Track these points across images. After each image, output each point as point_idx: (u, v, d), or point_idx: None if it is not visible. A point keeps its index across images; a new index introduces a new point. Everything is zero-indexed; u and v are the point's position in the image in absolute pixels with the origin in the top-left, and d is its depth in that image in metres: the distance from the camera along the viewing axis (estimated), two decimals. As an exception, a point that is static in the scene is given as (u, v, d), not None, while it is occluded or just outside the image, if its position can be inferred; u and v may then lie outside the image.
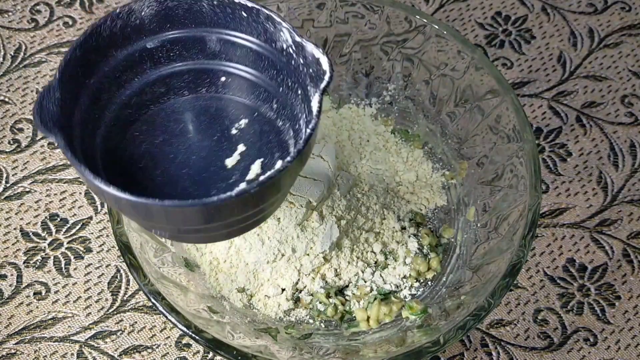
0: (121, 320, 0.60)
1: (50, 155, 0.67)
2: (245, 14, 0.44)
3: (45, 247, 0.63)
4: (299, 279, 0.58)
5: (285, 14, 0.63)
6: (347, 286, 0.59)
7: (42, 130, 0.38)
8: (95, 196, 0.65)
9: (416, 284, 0.60)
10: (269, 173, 0.38)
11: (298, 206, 0.56)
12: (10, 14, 0.76)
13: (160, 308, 0.48)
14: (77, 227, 0.64)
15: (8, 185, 0.66)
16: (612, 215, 0.67)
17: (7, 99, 0.70)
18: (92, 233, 0.64)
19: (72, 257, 0.63)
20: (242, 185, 0.40)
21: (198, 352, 0.59)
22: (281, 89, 0.46)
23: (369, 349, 0.53)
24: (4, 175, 0.66)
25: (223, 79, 0.47)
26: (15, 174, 0.66)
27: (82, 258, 0.63)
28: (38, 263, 0.62)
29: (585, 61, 0.76)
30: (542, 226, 0.66)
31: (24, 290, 0.61)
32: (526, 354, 0.60)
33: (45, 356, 0.58)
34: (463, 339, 0.61)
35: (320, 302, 0.57)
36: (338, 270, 0.58)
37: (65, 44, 0.74)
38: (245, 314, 0.57)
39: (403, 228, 0.61)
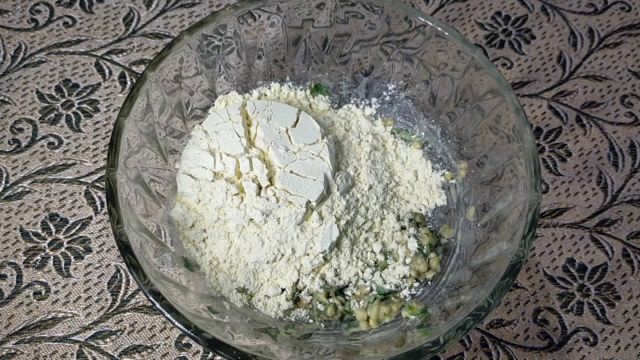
0: (121, 320, 0.60)
1: (50, 155, 0.67)
2: None
3: (45, 247, 0.63)
4: (298, 279, 0.58)
5: (285, 14, 0.63)
6: (347, 286, 0.59)
7: None
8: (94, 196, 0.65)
9: (416, 284, 0.59)
10: None
11: (298, 206, 0.56)
12: (10, 14, 0.76)
13: (160, 308, 0.48)
14: (77, 227, 0.64)
15: (8, 185, 0.66)
16: (612, 215, 0.67)
17: (7, 99, 0.70)
18: (92, 233, 0.64)
19: (72, 257, 0.63)
20: None
21: (198, 352, 0.59)
22: None
23: (369, 349, 0.53)
24: (4, 175, 0.66)
25: None
26: (15, 174, 0.66)
27: (82, 258, 0.63)
28: (38, 263, 0.62)
29: (585, 61, 0.76)
30: (542, 226, 0.66)
31: (24, 290, 0.61)
32: (526, 354, 0.60)
33: (45, 356, 0.58)
34: (463, 339, 0.61)
35: (320, 302, 0.57)
36: (338, 270, 0.58)
37: (65, 44, 0.74)
38: (245, 314, 0.57)
39: (403, 228, 0.61)
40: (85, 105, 0.70)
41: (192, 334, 0.48)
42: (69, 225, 0.64)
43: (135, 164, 0.56)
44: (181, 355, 0.59)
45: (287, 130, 0.60)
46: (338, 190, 0.58)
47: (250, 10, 0.62)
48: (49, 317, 0.60)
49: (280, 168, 0.58)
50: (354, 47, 0.66)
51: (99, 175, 0.67)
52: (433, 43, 0.62)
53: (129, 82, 0.72)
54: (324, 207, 0.58)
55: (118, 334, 0.59)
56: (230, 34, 0.62)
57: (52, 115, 0.70)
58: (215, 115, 0.61)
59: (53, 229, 0.64)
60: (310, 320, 0.58)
